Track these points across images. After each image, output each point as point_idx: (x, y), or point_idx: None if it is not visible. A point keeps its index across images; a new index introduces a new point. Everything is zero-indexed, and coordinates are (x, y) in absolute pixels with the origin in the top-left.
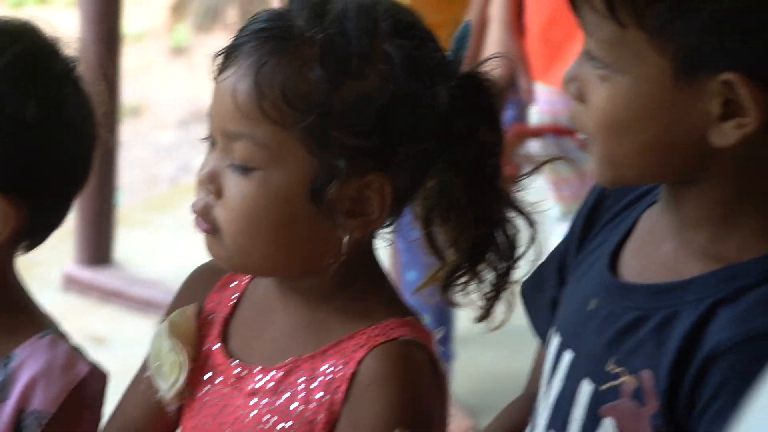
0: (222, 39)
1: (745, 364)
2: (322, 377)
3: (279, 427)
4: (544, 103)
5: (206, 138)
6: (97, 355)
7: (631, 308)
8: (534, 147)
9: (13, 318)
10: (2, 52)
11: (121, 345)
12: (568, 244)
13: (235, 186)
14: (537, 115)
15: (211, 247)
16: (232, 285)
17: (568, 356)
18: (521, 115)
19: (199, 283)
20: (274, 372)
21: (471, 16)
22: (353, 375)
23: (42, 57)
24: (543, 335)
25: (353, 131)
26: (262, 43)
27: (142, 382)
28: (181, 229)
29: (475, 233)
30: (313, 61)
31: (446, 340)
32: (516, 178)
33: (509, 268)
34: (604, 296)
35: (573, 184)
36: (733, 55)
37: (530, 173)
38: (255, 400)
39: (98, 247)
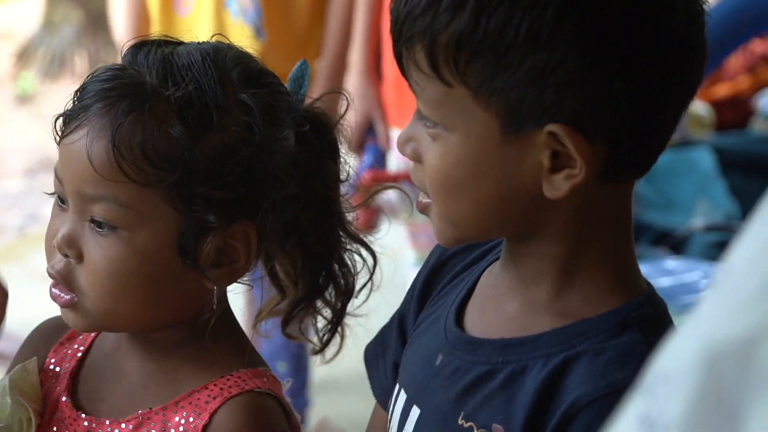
0: (70, 87)
1: (606, 419)
2: (173, 429)
3: None
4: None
5: (52, 195)
6: None
7: (478, 362)
8: (389, 193)
9: None
10: None
11: None
12: (408, 304)
13: (97, 247)
14: (395, 161)
15: (70, 319)
16: (79, 337)
17: (415, 412)
18: (380, 161)
19: (43, 336)
20: (123, 425)
21: (325, 62)
22: (206, 426)
23: None
24: (382, 398)
25: (217, 184)
26: (114, 103)
27: None
28: (29, 280)
29: (318, 266)
30: (172, 118)
31: (303, 387)
32: (371, 223)
33: (345, 303)
34: (450, 351)
35: (429, 230)
36: (554, 107)
37: (369, 198)
38: None
39: None
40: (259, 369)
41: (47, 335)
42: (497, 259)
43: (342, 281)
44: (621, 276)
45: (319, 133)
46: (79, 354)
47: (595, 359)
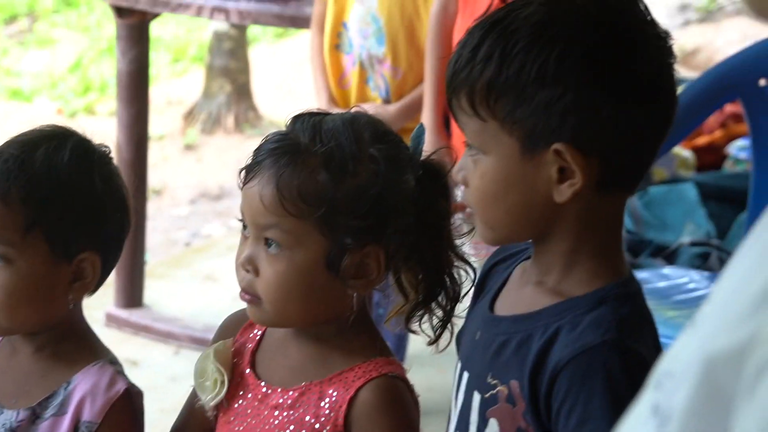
0: (223, 139)
1: (582, 372)
2: (328, 398)
3: None
4: None
5: (240, 222)
6: (131, 373)
7: (499, 334)
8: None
9: (77, 350)
10: (63, 145)
11: (149, 366)
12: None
13: (268, 266)
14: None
15: (253, 314)
16: (255, 325)
17: (465, 375)
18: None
19: (233, 324)
20: (291, 392)
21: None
22: (351, 399)
23: (88, 147)
24: None
25: (354, 215)
26: (278, 158)
27: (192, 396)
28: (193, 281)
29: (433, 279)
30: (319, 167)
31: (401, 361)
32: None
33: (453, 306)
34: (484, 328)
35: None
36: (558, 130)
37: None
38: (277, 412)
39: (132, 294)
40: (389, 358)
41: (236, 323)
42: (527, 259)
43: (451, 290)
44: (607, 266)
45: (433, 178)
46: (257, 338)
47: (574, 328)
